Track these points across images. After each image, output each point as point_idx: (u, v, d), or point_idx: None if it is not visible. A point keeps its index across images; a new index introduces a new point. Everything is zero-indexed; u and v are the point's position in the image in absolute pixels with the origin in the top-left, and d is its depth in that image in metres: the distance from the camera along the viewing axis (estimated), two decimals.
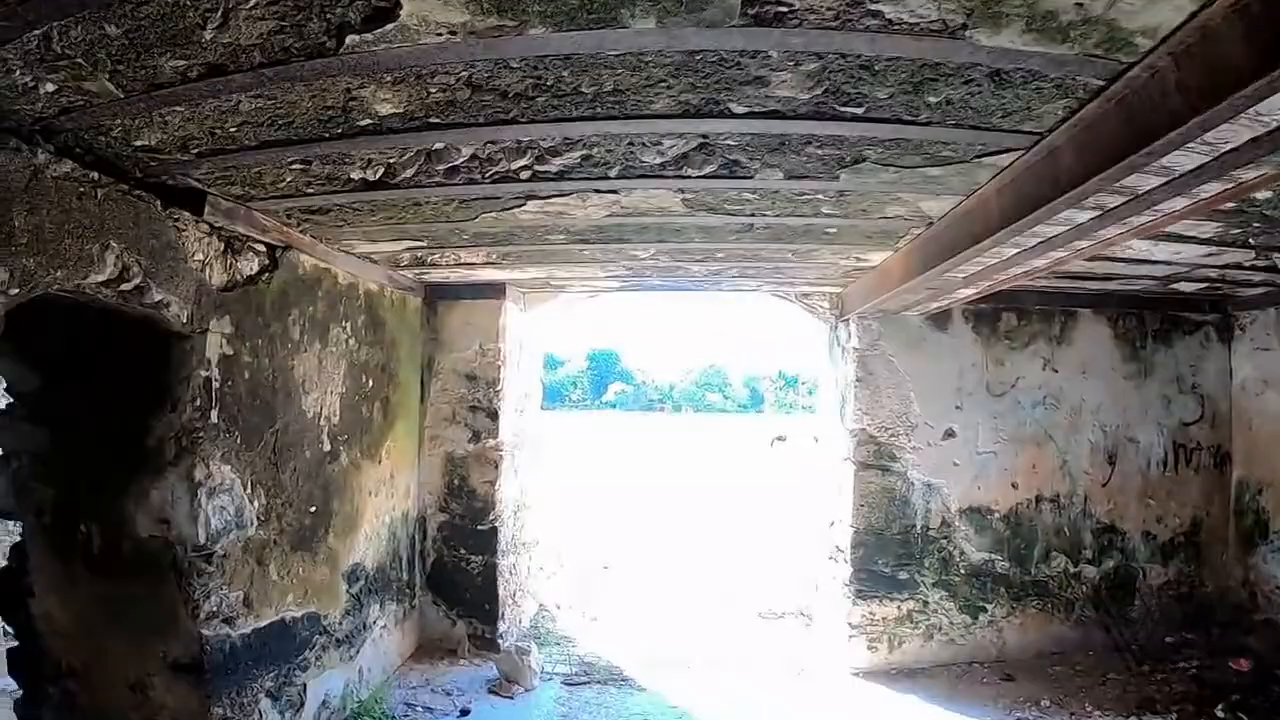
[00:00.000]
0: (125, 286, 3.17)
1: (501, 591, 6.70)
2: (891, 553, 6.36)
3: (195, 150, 3.04)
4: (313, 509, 4.73)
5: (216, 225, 3.70)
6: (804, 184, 3.53)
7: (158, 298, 3.34)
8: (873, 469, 6.38)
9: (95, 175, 2.99)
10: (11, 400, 3.66)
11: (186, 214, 3.49)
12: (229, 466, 3.87)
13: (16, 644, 3.82)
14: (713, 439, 37.65)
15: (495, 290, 6.62)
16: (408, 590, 6.39)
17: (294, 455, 4.52)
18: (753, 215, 4.10)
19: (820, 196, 3.77)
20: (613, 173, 3.35)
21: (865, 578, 6.33)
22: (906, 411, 6.42)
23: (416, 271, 5.96)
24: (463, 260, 5.47)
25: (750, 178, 3.43)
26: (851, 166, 3.27)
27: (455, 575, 6.68)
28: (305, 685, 4.58)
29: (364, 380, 5.51)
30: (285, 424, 4.41)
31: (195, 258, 3.60)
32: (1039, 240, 3.60)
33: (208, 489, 3.68)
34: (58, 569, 3.68)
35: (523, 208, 3.93)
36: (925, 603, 6.39)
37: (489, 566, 6.64)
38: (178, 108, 2.66)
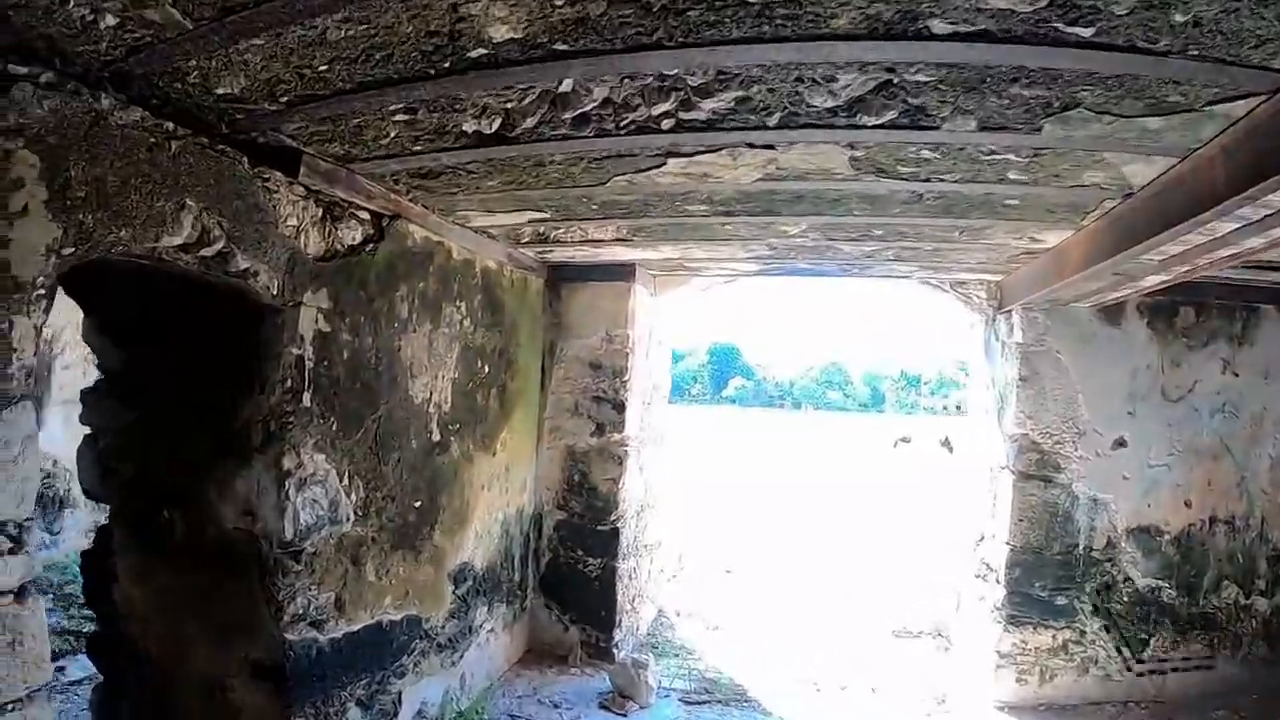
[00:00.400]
0: (206, 252, 2.78)
1: (619, 597, 6.21)
2: (1050, 575, 5.62)
3: (284, 98, 2.63)
4: (417, 504, 4.34)
5: (314, 188, 3.29)
6: (998, 138, 2.87)
7: (244, 265, 2.95)
8: (1034, 480, 5.63)
9: (170, 126, 2.60)
10: (100, 376, 3.42)
11: (278, 174, 3.08)
12: (323, 455, 3.49)
13: (99, 629, 3.62)
14: (833, 437, 36.46)
15: (624, 272, 6.10)
16: (519, 592, 5.99)
17: (398, 445, 4.13)
18: (927, 180, 3.42)
19: (1011, 157, 3.10)
20: (772, 121, 2.72)
21: (1019, 601, 5.61)
22: (1074, 416, 5.62)
23: (539, 250, 5.50)
24: (590, 236, 4.96)
25: (936, 128, 2.76)
26: (1059, 114, 2.62)
27: (571, 578, 6.22)
28: (400, 693, 4.20)
29: (479, 365, 5.10)
30: (389, 410, 4.02)
31: (288, 223, 3.19)
32: (1269, 213, 2.87)
33: (297, 480, 3.31)
34: (141, 554, 3.39)
35: (661, 168, 3.35)
36: (1082, 632, 5.63)
37: (608, 570, 6.16)
38: (255, 40, 2.24)
